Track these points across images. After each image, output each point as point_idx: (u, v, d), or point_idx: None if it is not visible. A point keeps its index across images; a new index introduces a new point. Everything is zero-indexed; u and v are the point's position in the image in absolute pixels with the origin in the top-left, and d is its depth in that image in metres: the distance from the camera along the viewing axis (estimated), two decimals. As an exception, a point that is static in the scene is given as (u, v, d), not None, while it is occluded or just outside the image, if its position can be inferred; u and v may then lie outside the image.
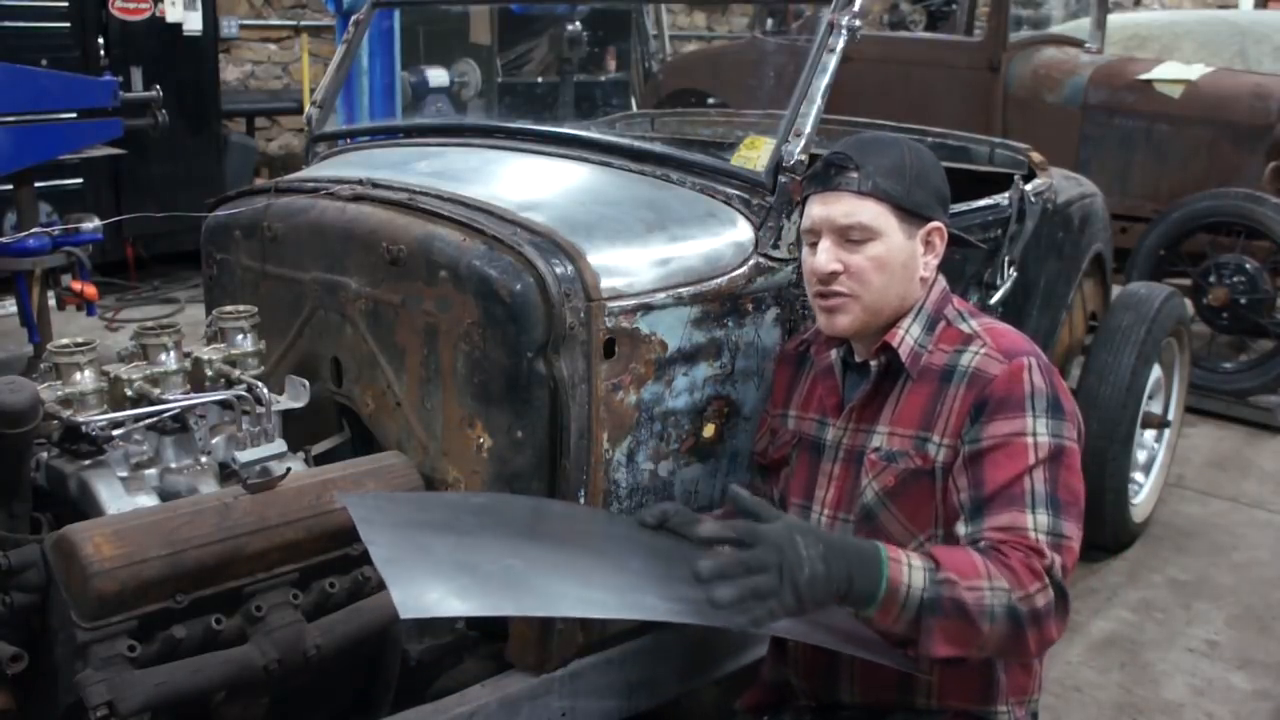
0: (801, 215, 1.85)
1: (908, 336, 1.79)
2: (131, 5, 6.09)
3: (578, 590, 1.55)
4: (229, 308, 2.08)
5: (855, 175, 1.75)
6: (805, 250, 1.83)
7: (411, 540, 1.55)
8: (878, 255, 1.75)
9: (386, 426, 2.07)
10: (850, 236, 1.75)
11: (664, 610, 1.54)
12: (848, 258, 1.76)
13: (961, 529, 1.66)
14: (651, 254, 2.00)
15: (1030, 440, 1.65)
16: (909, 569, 1.53)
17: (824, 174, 1.78)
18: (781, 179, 2.12)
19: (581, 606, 1.58)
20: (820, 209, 1.78)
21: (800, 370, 1.98)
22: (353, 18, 2.94)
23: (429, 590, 1.41)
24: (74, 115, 4.16)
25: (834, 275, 1.76)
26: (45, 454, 1.86)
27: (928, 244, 1.81)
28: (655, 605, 1.55)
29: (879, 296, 1.77)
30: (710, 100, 6.44)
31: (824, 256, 1.77)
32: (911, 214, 1.77)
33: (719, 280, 2.04)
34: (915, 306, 1.81)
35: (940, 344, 1.79)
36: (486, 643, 2.00)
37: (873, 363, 1.81)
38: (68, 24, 5.90)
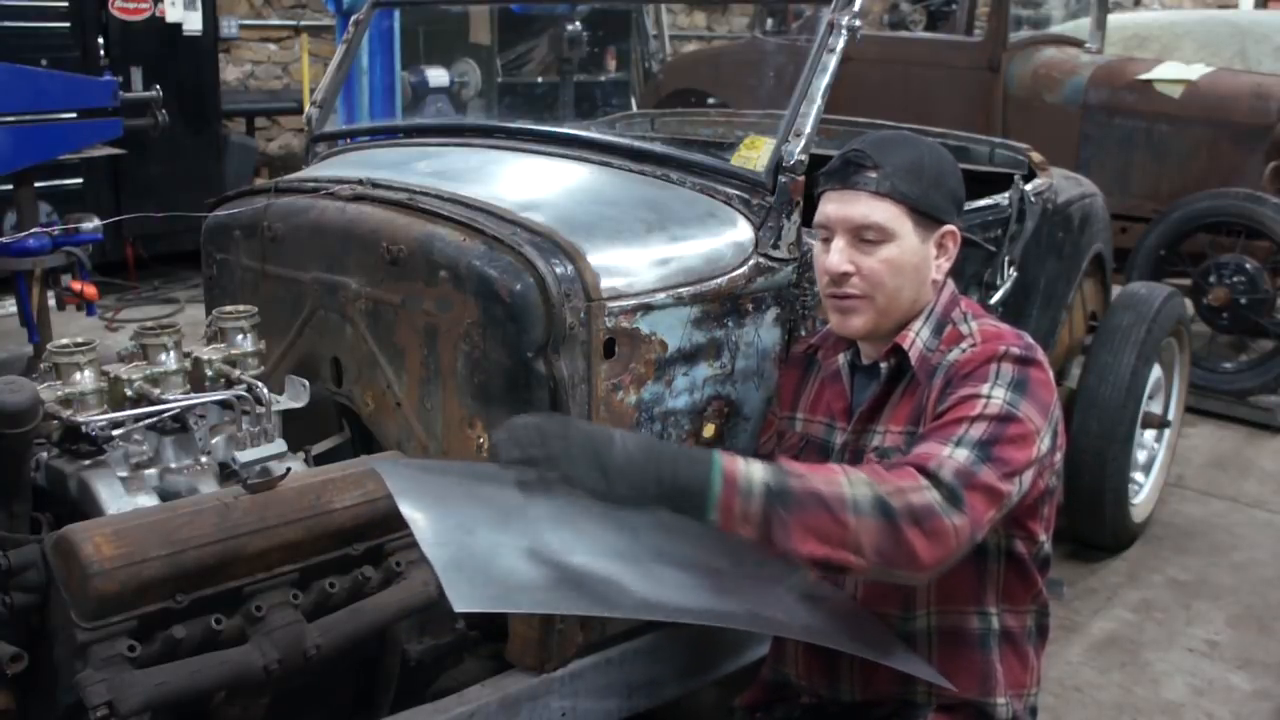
0: (815, 205, 1.85)
1: (918, 339, 1.79)
2: (131, 5, 6.09)
3: (624, 590, 1.54)
4: (229, 308, 2.08)
5: (874, 175, 1.74)
6: (817, 246, 1.83)
7: (453, 519, 1.54)
8: (891, 258, 1.75)
9: (386, 426, 2.07)
10: (864, 236, 1.75)
11: (704, 615, 1.55)
12: (860, 259, 1.75)
13: None
14: (651, 254, 2.00)
15: (982, 401, 1.63)
16: (747, 463, 1.48)
17: (842, 171, 1.78)
18: (781, 179, 2.12)
19: (629, 609, 1.56)
20: (836, 207, 1.78)
21: (807, 373, 1.98)
22: (353, 18, 2.94)
23: (482, 584, 1.39)
24: (74, 115, 4.15)
25: (846, 276, 1.76)
26: (45, 454, 1.86)
27: (941, 247, 1.80)
28: (694, 608, 1.55)
29: (891, 298, 1.77)
30: (710, 100, 6.44)
31: (837, 257, 1.76)
32: (927, 217, 1.76)
33: (719, 280, 2.04)
34: (926, 309, 1.81)
35: (943, 346, 1.79)
36: (486, 643, 2.00)
37: (883, 365, 1.81)
38: (68, 24, 5.90)
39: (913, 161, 1.76)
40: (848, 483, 1.49)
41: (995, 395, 1.63)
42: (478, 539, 1.51)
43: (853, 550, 1.48)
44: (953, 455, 1.56)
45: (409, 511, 1.51)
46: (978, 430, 1.60)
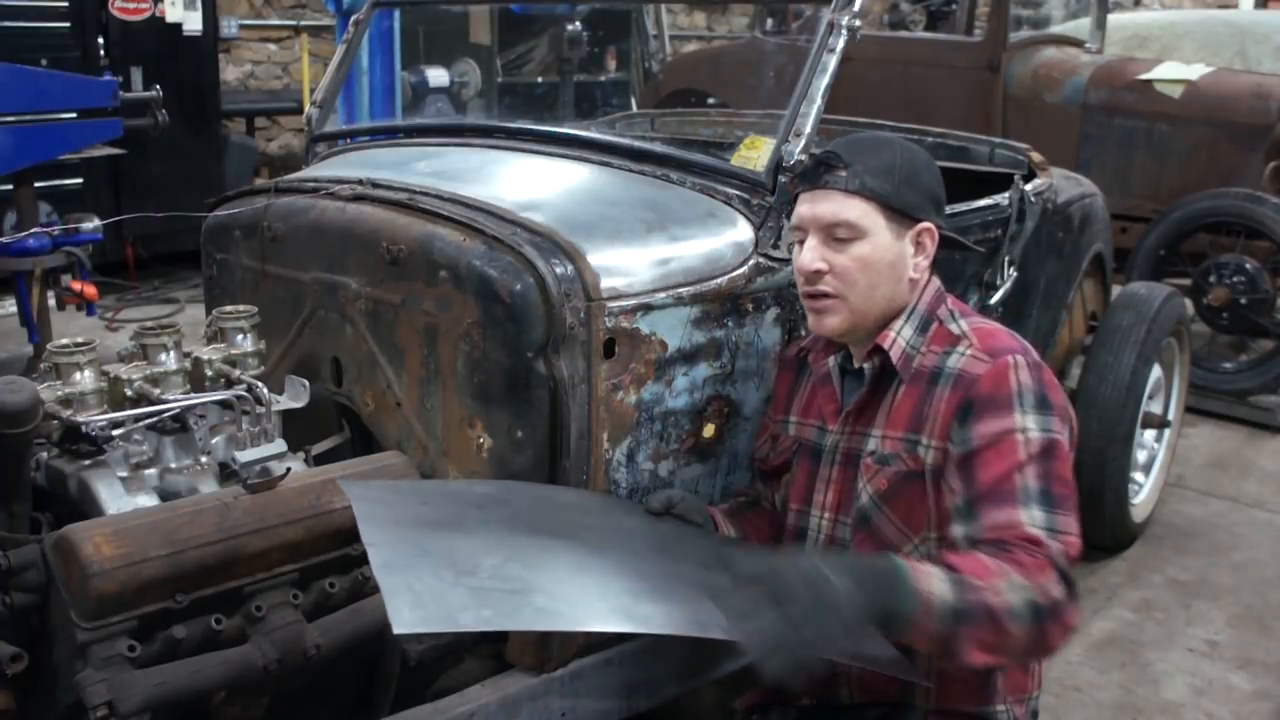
0: (790, 209, 1.85)
1: (899, 339, 1.78)
2: (131, 5, 6.09)
3: (577, 602, 1.54)
4: (229, 308, 2.08)
5: (844, 174, 1.74)
6: (795, 248, 1.83)
7: (411, 542, 1.54)
8: (862, 255, 1.74)
9: (386, 426, 2.07)
10: (836, 235, 1.75)
11: (666, 623, 1.54)
12: (833, 257, 1.75)
13: (958, 530, 1.64)
14: (651, 254, 2.00)
15: (1020, 437, 1.63)
16: (931, 578, 1.50)
17: (813, 171, 1.78)
18: (781, 179, 2.12)
19: (579, 620, 1.56)
20: (807, 206, 1.78)
21: (800, 377, 1.98)
22: (353, 18, 2.94)
23: (426, 604, 1.39)
24: (74, 115, 4.15)
25: (818, 274, 1.76)
26: (45, 454, 1.86)
27: (918, 245, 1.79)
28: (659, 618, 1.55)
29: (865, 297, 1.76)
30: (710, 100, 6.44)
31: (809, 255, 1.76)
32: (900, 214, 1.76)
33: (719, 280, 2.04)
34: (907, 308, 1.80)
35: (932, 345, 1.78)
36: (486, 643, 1.99)
37: (866, 366, 1.81)
38: (68, 24, 5.90)
39: (884, 160, 1.76)
40: (1008, 588, 1.52)
41: (1030, 426, 1.64)
42: (431, 560, 1.49)
43: (1008, 653, 1.57)
44: (1034, 525, 1.58)
45: (369, 535, 1.51)
46: (1034, 478, 1.61)
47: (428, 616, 1.38)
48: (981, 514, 1.62)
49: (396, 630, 1.34)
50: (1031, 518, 1.59)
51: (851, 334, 1.80)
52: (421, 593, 1.41)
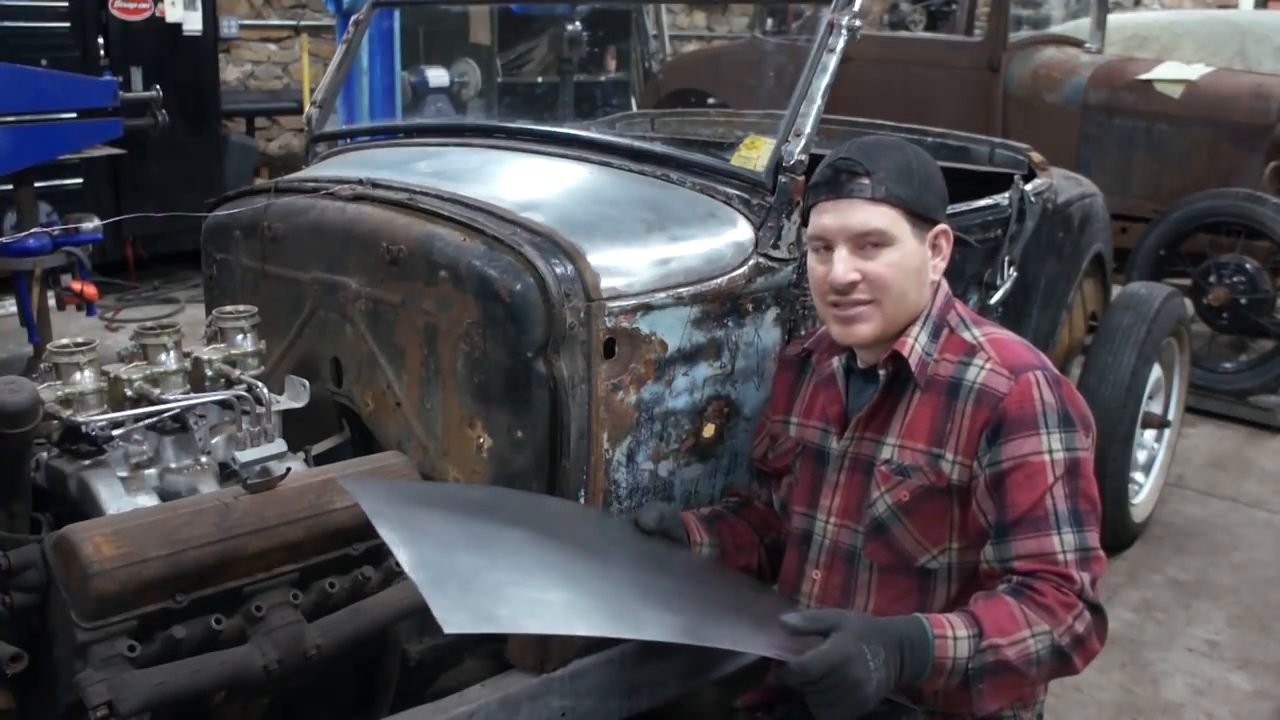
0: (804, 217, 1.84)
1: (916, 345, 1.77)
2: (131, 5, 6.09)
3: (597, 606, 1.58)
4: (229, 308, 2.08)
5: (867, 181, 1.72)
6: (812, 258, 1.81)
7: (433, 540, 1.56)
8: (894, 261, 1.73)
9: (386, 426, 2.07)
10: (866, 244, 1.73)
11: (679, 632, 1.59)
12: (865, 265, 1.74)
13: (990, 552, 1.69)
14: (651, 254, 2.00)
15: (1046, 459, 1.66)
16: (953, 642, 1.56)
17: (834, 181, 1.75)
18: (781, 179, 2.12)
19: (605, 626, 1.59)
20: (833, 218, 1.75)
21: (801, 376, 1.97)
22: (353, 18, 2.94)
23: (465, 606, 1.41)
24: (74, 115, 4.16)
25: (853, 285, 1.74)
26: (45, 454, 1.86)
27: (935, 248, 1.79)
28: (669, 625, 1.59)
29: (897, 303, 1.75)
30: (710, 100, 6.44)
31: (842, 267, 1.73)
32: (922, 218, 1.75)
33: (719, 280, 2.03)
34: (923, 314, 1.79)
35: (945, 353, 1.77)
36: (486, 643, 2.00)
37: (881, 371, 1.79)
38: (68, 24, 5.90)
39: (902, 164, 1.75)
40: (1031, 636, 1.58)
41: (1055, 447, 1.67)
42: (458, 561, 1.52)
43: (1029, 688, 1.70)
44: (1066, 552, 1.63)
45: (387, 532, 1.53)
46: (1062, 499, 1.65)
47: (474, 618, 1.41)
48: (1014, 541, 1.66)
49: (448, 630, 1.37)
50: (1062, 543, 1.64)
51: (880, 340, 1.79)
52: (459, 593, 1.43)
